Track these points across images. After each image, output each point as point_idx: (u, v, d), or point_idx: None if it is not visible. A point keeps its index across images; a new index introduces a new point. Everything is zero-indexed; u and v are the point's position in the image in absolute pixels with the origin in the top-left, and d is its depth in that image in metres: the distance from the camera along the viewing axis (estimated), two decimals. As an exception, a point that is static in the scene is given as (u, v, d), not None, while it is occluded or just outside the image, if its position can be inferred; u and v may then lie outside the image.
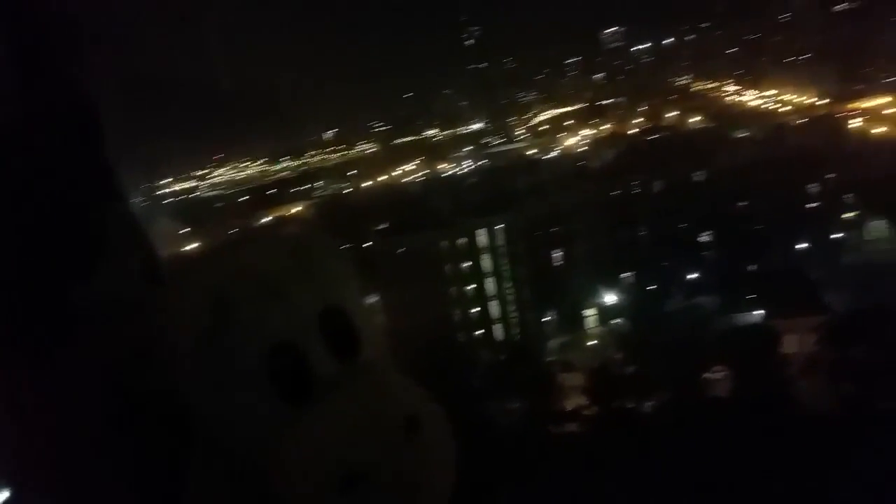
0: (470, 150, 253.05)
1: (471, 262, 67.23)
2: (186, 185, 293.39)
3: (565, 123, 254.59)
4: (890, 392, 39.71)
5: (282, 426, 1.08)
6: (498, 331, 66.50)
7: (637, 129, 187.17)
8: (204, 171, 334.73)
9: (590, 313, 70.51)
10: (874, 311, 46.54)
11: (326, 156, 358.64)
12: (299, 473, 1.06)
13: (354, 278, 1.52)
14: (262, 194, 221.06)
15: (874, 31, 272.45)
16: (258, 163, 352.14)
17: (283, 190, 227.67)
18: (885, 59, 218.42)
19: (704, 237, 74.58)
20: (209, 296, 1.13)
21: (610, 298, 70.23)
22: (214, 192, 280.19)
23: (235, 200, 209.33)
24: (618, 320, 67.93)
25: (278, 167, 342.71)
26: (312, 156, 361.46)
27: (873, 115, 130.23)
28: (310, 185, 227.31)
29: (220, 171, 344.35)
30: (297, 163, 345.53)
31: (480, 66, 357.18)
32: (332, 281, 1.37)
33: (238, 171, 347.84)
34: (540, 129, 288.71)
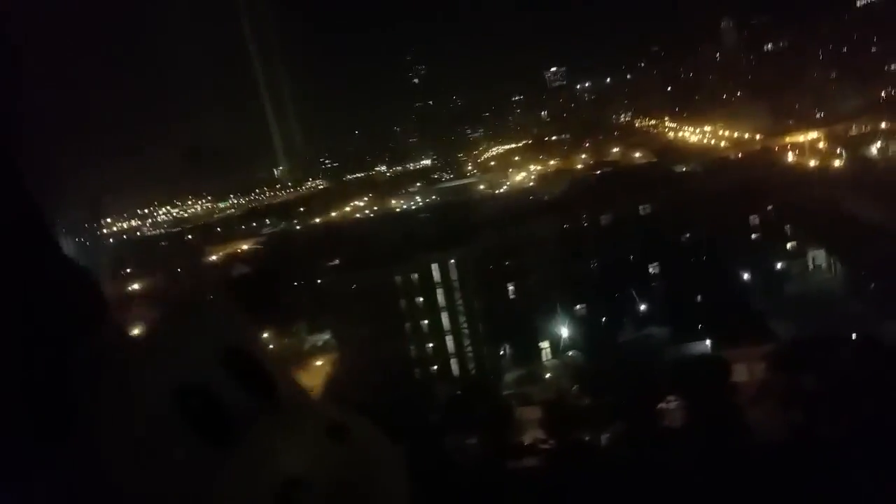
0: (420, 186, 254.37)
1: (424, 298, 67.09)
2: (130, 223, 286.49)
3: (513, 159, 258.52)
4: (837, 418, 40.86)
5: (209, 468, 1.07)
6: (453, 365, 66.27)
7: (583, 165, 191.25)
8: (148, 210, 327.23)
9: (544, 346, 70.96)
10: (819, 339, 48.01)
11: (275, 193, 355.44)
12: None
13: (254, 323, 1.53)
14: (209, 232, 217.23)
15: (803, 69, 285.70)
16: (204, 200, 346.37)
17: (231, 228, 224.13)
18: (814, 96, 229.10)
19: (652, 269, 76.17)
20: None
21: (563, 331, 70.87)
22: (158, 231, 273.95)
23: (181, 239, 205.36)
24: (572, 352, 68.54)
25: (225, 205, 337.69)
26: (260, 193, 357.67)
27: (805, 150, 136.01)
28: (258, 223, 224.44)
29: (165, 209, 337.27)
30: (244, 200, 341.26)
31: (428, 103, 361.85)
32: (232, 326, 1.44)
33: (182, 210, 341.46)
34: (489, 164, 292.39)
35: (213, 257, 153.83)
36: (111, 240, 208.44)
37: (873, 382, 40.78)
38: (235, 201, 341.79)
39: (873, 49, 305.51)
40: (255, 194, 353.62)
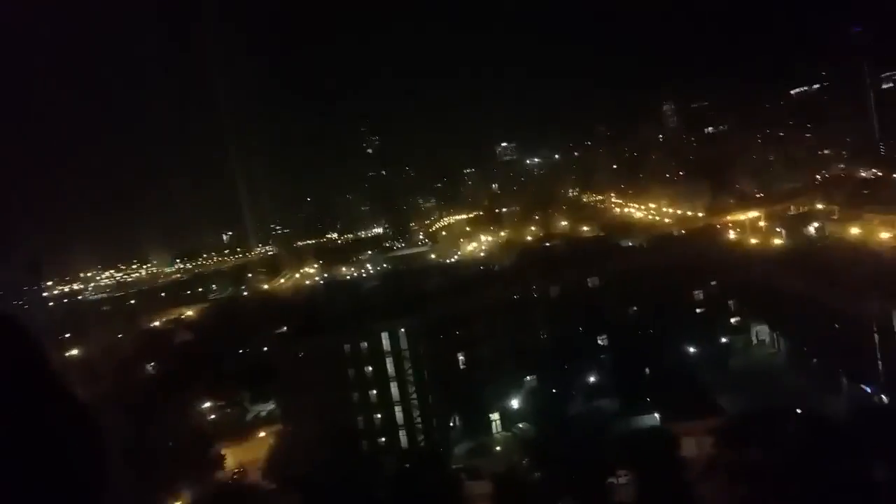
0: (371, 254, 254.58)
1: (373, 367, 65.95)
2: (72, 286, 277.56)
3: (464, 229, 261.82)
4: (783, 492, 40.99)
5: None
6: (402, 437, 64.77)
7: (532, 237, 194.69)
8: (90, 273, 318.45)
9: (494, 417, 70.11)
10: (764, 413, 48.60)
11: (223, 258, 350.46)
12: None
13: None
14: (154, 297, 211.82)
15: (742, 151, 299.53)
16: (149, 264, 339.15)
17: (176, 293, 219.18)
18: (753, 177, 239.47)
19: (601, 341, 76.67)
20: None
21: (513, 402, 70.28)
22: (101, 295, 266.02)
23: (124, 303, 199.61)
24: (522, 424, 67.78)
25: (170, 269, 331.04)
26: (207, 258, 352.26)
27: (746, 228, 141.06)
28: (204, 288, 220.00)
29: (108, 272, 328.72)
30: (191, 265, 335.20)
31: (381, 172, 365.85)
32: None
33: (126, 274, 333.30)
34: (440, 234, 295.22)
35: (157, 323, 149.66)
36: (51, 303, 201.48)
37: (817, 456, 41.21)
38: (182, 266, 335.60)
39: (808, 135, 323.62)
40: (203, 259, 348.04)
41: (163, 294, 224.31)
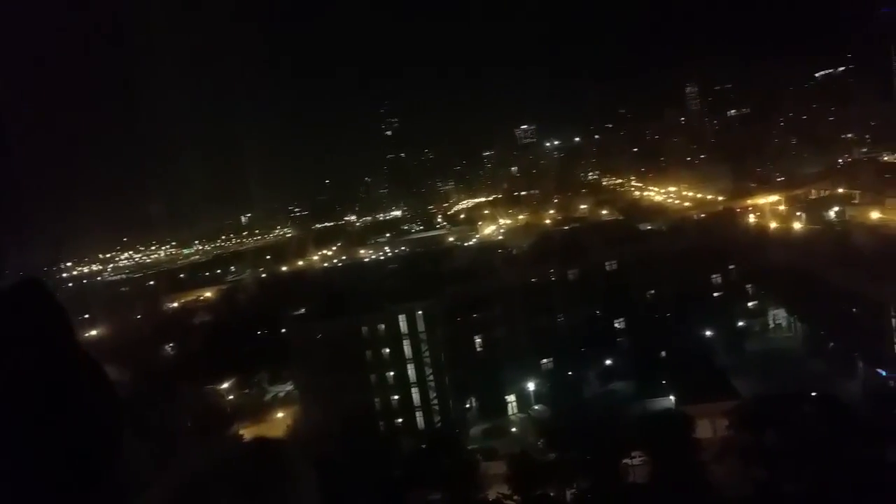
0: (389, 236, 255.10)
1: (390, 349, 66.56)
2: (91, 267, 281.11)
3: (483, 212, 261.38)
4: (799, 474, 41.12)
5: None
6: (419, 418, 65.48)
7: (551, 220, 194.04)
8: (110, 254, 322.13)
9: (510, 399, 70.60)
10: (780, 396, 48.59)
11: (242, 240, 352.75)
12: None
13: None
14: (173, 279, 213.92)
15: (765, 135, 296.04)
16: (168, 246, 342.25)
17: (195, 274, 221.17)
18: (775, 161, 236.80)
19: (618, 324, 76.75)
20: None
21: (530, 384, 70.69)
22: (120, 276, 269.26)
23: (143, 284, 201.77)
24: (538, 406, 68.24)
25: (189, 251, 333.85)
26: (227, 240, 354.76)
27: (766, 212, 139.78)
28: (223, 270, 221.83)
29: (127, 254, 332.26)
30: (209, 247, 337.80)
31: (400, 155, 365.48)
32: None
33: (146, 255, 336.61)
34: (458, 217, 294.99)
35: (175, 304, 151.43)
36: (70, 284, 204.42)
37: (833, 439, 41.25)
38: (201, 248, 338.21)
39: (831, 118, 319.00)
40: (222, 241, 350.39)
41: (181, 275, 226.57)
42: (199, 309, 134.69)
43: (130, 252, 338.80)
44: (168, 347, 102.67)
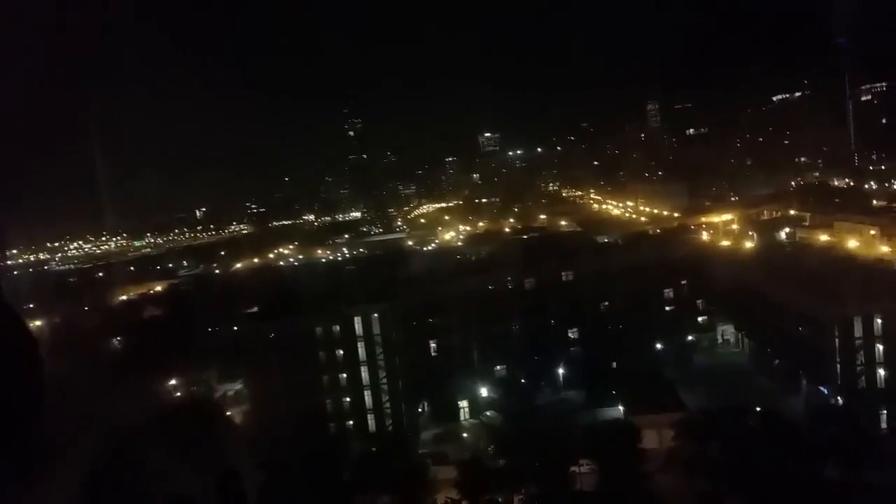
0: (348, 237, 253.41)
1: (344, 351, 65.98)
2: (38, 256, 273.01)
3: (443, 218, 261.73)
4: (741, 487, 42.04)
5: None
6: (370, 421, 65.01)
7: (510, 229, 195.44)
8: (58, 243, 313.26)
9: (463, 405, 70.66)
10: (725, 410, 49.63)
11: (195, 234, 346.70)
12: None
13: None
14: (122, 271, 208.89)
15: (721, 154, 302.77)
16: (119, 237, 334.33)
17: (146, 267, 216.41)
18: (730, 180, 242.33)
19: (571, 334, 77.50)
20: None
21: (482, 391, 70.84)
22: (68, 266, 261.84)
23: (92, 275, 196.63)
24: (489, 412, 68.43)
25: (140, 243, 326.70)
26: (180, 233, 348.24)
27: (719, 230, 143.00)
28: (175, 264, 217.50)
29: (76, 243, 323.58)
30: (162, 239, 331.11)
31: (362, 156, 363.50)
32: None
33: (95, 245, 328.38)
34: (418, 221, 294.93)
35: (124, 297, 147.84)
36: (16, 272, 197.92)
37: (775, 454, 42.28)
38: (153, 240, 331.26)
39: (785, 141, 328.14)
40: (175, 234, 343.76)
41: (132, 268, 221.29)
42: (148, 302, 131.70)
43: (80, 242, 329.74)
44: (115, 340, 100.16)
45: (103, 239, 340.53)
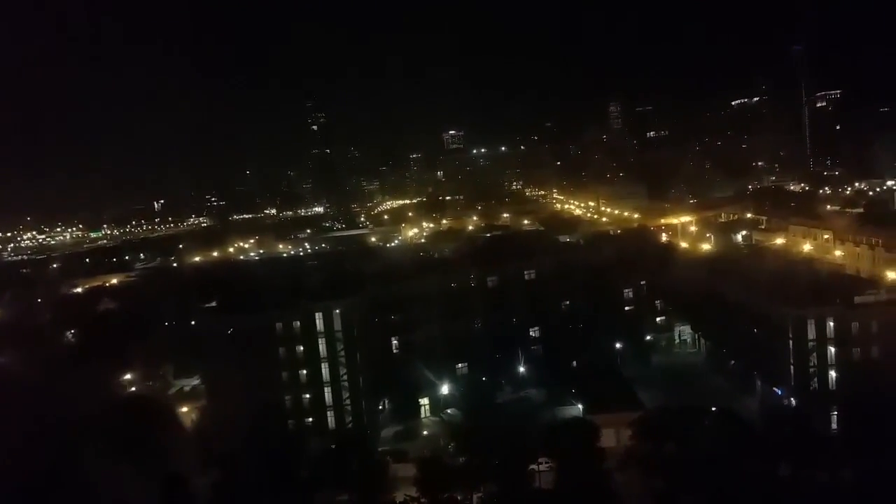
0: (310, 232, 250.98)
1: (305, 347, 65.26)
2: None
3: (407, 214, 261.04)
4: (696, 485, 42.73)
5: None
6: (330, 418, 64.44)
7: (473, 227, 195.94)
8: (10, 233, 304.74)
9: (424, 402, 70.52)
10: (681, 409, 50.38)
11: (153, 227, 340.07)
12: None
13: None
14: (77, 262, 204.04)
15: (681, 157, 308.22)
16: (74, 228, 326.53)
17: (102, 259, 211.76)
18: (689, 183, 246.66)
19: (532, 333, 77.85)
20: None
21: (443, 388, 70.80)
22: (21, 257, 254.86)
23: (45, 267, 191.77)
24: (450, 410, 68.41)
25: (97, 234, 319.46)
26: (137, 225, 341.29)
27: (678, 231, 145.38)
28: (131, 257, 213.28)
29: (30, 234, 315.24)
30: (118, 231, 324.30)
31: (325, 151, 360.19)
32: None
33: (50, 236, 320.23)
34: (382, 217, 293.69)
35: (79, 289, 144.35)
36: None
37: (729, 453, 43.06)
38: (109, 232, 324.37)
39: (743, 145, 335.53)
40: (132, 226, 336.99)
41: (87, 260, 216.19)
42: (103, 295, 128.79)
43: (33, 233, 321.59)
44: (67, 334, 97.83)
45: (58, 230, 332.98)
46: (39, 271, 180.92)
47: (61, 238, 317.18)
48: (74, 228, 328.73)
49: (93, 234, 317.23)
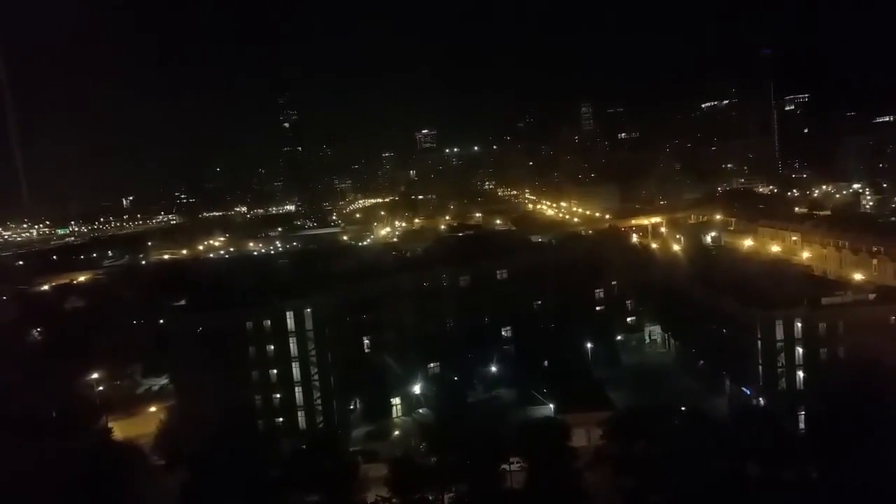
0: (281, 231, 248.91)
1: (275, 346, 64.66)
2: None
3: (379, 213, 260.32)
4: (665, 484, 43.13)
5: None
6: (300, 418, 63.90)
7: (446, 226, 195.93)
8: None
9: (395, 402, 70.25)
10: (651, 409, 50.85)
11: (122, 224, 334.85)
12: None
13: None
14: (44, 259, 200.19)
15: (651, 159, 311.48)
16: (41, 224, 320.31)
17: (69, 257, 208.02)
18: (659, 184, 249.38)
19: (504, 332, 78.02)
20: None
21: (415, 388, 70.62)
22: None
23: (10, 264, 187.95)
24: (422, 410, 68.24)
25: (64, 231, 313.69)
26: (105, 222, 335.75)
27: (648, 232, 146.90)
28: (99, 254, 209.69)
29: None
30: (86, 228, 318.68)
31: (297, 148, 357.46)
32: None
33: (15, 233, 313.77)
34: (354, 216, 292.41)
35: (45, 287, 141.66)
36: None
37: (698, 452, 43.54)
38: (76, 229, 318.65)
39: (713, 147, 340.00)
40: (100, 223, 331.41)
41: (54, 257, 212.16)
42: (70, 293, 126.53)
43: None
44: (34, 332, 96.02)
45: (24, 226, 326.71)
46: (4, 268, 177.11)
47: (27, 235, 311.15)
48: (41, 225, 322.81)
49: (60, 231, 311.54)
